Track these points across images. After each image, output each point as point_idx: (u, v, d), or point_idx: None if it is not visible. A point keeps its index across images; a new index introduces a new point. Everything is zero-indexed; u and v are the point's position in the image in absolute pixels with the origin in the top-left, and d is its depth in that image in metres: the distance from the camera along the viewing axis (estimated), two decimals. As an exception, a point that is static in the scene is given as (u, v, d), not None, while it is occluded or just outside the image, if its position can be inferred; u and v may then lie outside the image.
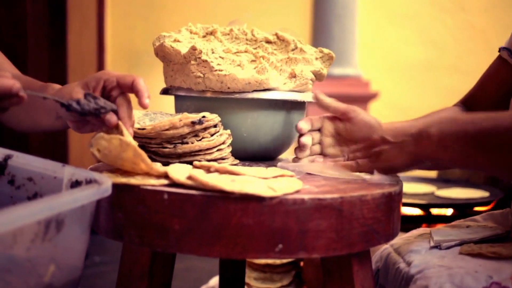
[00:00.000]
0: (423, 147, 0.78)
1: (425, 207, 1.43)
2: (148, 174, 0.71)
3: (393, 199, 0.75)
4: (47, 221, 0.56)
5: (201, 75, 0.92)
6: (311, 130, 0.94)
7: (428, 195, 1.56)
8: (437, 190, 1.60)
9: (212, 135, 0.86)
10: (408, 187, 1.57)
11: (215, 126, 0.87)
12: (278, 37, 1.00)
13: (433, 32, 3.67)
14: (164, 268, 0.80)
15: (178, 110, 0.99)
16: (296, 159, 0.93)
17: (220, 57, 0.92)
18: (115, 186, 0.67)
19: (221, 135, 0.87)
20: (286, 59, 0.96)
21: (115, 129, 0.74)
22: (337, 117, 0.94)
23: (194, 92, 0.94)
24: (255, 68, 0.93)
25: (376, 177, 0.81)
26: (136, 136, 0.81)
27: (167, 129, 0.82)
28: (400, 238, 0.96)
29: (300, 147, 0.92)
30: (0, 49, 0.98)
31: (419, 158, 0.80)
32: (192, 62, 0.92)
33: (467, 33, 3.67)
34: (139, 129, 0.82)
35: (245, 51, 0.96)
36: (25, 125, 0.91)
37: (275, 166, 0.87)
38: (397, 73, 3.67)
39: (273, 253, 0.66)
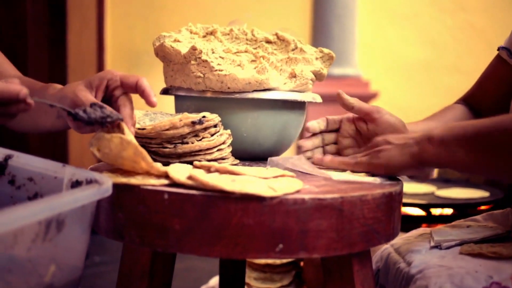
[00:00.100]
0: (424, 149, 0.79)
1: (425, 207, 1.43)
2: (148, 174, 0.71)
3: (394, 199, 0.75)
4: (47, 221, 0.56)
5: (201, 75, 0.92)
6: (325, 131, 0.94)
7: (428, 195, 1.56)
8: (437, 190, 1.60)
9: (212, 135, 0.86)
10: (409, 187, 1.57)
11: (215, 126, 0.87)
12: (278, 37, 1.00)
13: (433, 32, 3.68)
14: (164, 268, 0.80)
15: (178, 110, 0.99)
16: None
17: (220, 57, 0.92)
18: (116, 186, 0.67)
19: (221, 135, 0.87)
20: (286, 59, 0.96)
21: (117, 128, 0.74)
22: (360, 118, 0.93)
23: (194, 92, 0.94)
24: (255, 68, 0.93)
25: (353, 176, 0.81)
26: (136, 136, 0.81)
27: (167, 129, 0.82)
28: (401, 238, 0.96)
29: (299, 148, 0.92)
30: (0, 49, 0.98)
31: (419, 160, 0.80)
32: (192, 62, 0.92)
33: (467, 33, 3.67)
34: (139, 129, 0.82)
35: (245, 51, 0.96)
36: (26, 126, 0.91)
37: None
38: (397, 73, 3.67)
39: (273, 253, 0.66)
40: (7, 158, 0.73)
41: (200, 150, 0.84)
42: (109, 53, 3.30)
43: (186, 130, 0.83)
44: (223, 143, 0.87)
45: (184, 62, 0.94)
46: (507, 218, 0.99)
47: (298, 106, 0.99)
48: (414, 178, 0.87)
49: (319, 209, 0.67)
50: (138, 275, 0.77)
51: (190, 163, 0.80)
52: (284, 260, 1.50)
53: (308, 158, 0.91)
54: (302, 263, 1.52)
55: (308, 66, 0.98)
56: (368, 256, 0.79)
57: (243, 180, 0.68)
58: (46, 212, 0.54)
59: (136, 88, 0.78)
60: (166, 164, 0.80)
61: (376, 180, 0.80)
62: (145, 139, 0.84)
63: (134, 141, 0.69)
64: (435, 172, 1.87)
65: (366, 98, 3.36)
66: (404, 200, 1.44)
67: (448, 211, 1.43)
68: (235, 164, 0.90)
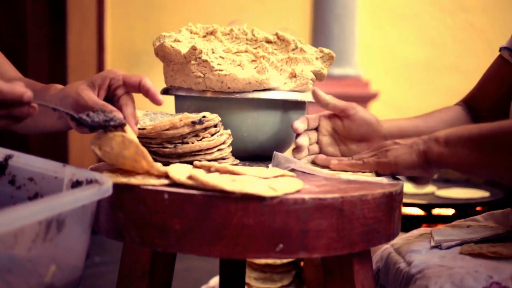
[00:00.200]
0: (430, 148, 0.80)
1: (425, 207, 1.43)
2: (148, 174, 0.71)
3: (394, 199, 0.75)
4: (48, 221, 0.56)
5: (201, 75, 0.92)
6: (307, 130, 0.94)
7: (428, 195, 1.56)
8: (437, 190, 1.60)
9: (212, 135, 0.86)
10: (409, 187, 1.57)
11: (215, 126, 0.87)
12: (278, 37, 1.00)
13: (433, 32, 3.68)
14: (164, 268, 0.80)
15: (178, 110, 0.99)
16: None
17: (220, 57, 0.92)
18: (116, 186, 0.67)
19: (221, 135, 0.87)
20: (286, 59, 0.96)
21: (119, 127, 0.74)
22: (336, 115, 0.94)
23: (194, 92, 0.94)
24: (255, 68, 0.93)
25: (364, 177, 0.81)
26: (137, 136, 0.81)
27: (167, 129, 0.82)
28: (401, 238, 0.96)
29: (297, 148, 0.92)
30: (0, 49, 0.97)
31: (426, 159, 0.80)
32: (192, 62, 0.92)
33: (467, 33, 3.67)
34: (139, 129, 0.82)
35: (246, 51, 0.96)
36: (27, 126, 0.90)
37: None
38: (397, 73, 3.67)
39: (273, 253, 0.66)
40: (8, 158, 0.73)
41: (200, 150, 0.84)
42: (109, 53, 3.30)
43: (186, 130, 0.83)
44: (223, 143, 0.87)
45: (184, 62, 0.94)
46: (507, 218, 0.99)
47: (298, 106, 0.99)
48: (413, 182, 0.87)
49: (319, 209, 0.67)
50: (138, 275, 0.77)
51: (190, 163, 0.80)
52: (284, 260, 1.50)
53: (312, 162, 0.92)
54: (302, 263, 1.52)
55: (308, 66, 0.98)
56: (368, 256, 0.79)
57: (243, 180, 0.68)
58: (46, 212, 0.54)
59: (140, 88, 0.78)
60: (166, 164, 0.80)
61: (383, 180, 0.80)
62: (145, 139, 0.84)
63: (136, 140, 0.69)
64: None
65: (366, 98, 3.37)
66: (404, 200, 1.44)
67: (448, 211, 1.43)
68: (235, 164, 0.90)
